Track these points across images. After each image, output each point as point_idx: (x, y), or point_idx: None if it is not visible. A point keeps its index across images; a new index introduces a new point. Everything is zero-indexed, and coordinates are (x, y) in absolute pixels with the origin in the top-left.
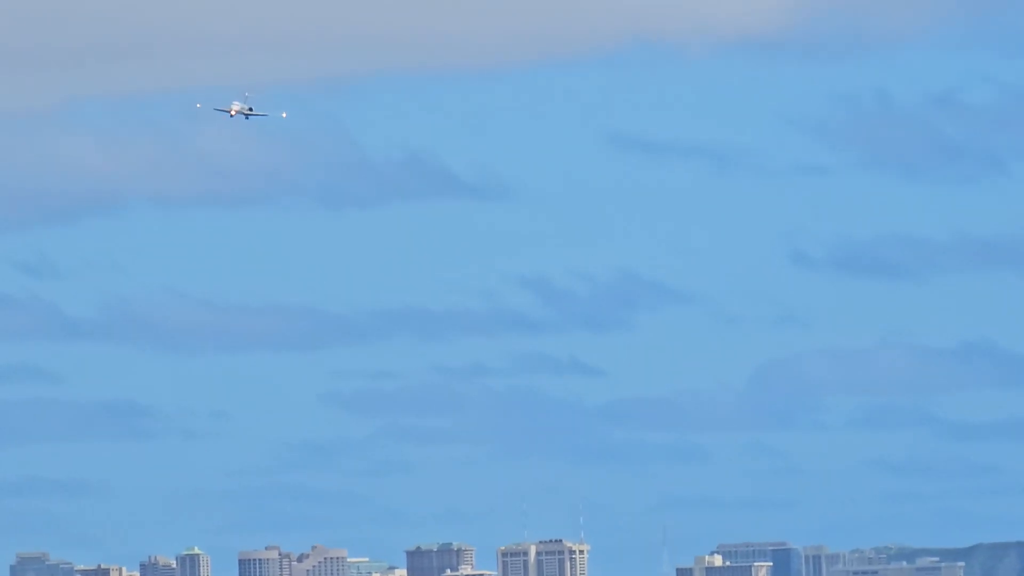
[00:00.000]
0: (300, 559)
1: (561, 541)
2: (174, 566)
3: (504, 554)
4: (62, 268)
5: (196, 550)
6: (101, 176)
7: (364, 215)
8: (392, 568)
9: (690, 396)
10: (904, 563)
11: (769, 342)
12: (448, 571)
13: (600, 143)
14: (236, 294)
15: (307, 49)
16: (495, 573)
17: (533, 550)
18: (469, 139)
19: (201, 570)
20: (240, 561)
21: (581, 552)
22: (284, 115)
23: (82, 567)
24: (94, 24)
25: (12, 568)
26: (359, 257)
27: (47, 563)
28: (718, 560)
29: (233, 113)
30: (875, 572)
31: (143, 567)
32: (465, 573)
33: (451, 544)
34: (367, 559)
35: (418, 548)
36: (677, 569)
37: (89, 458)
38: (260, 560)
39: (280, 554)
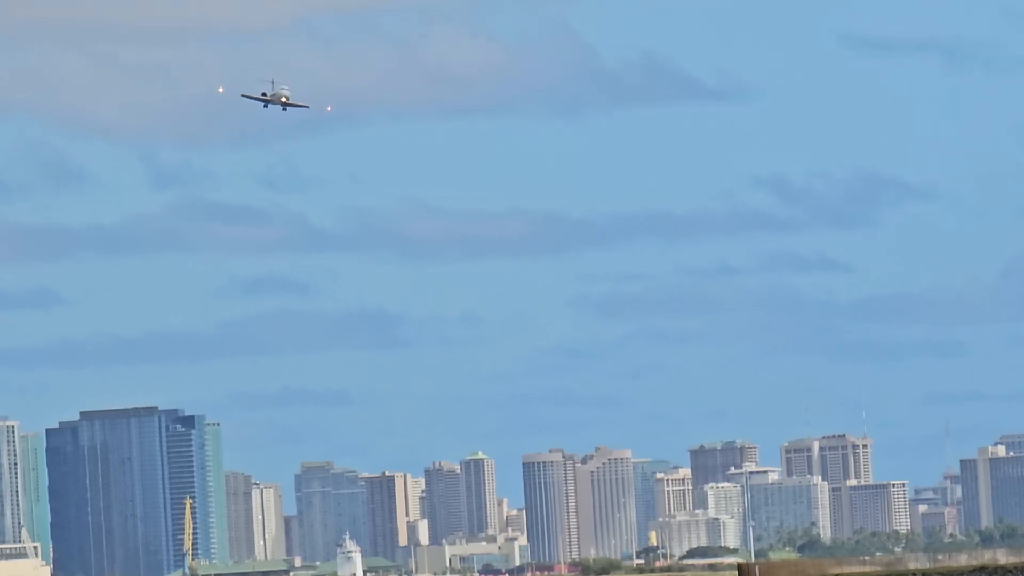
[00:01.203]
0: (584, 461)
1: (844, 436)
2: (458, 471)
3: (787, 450)
4: (305, 180)
5: (480, 455)
6: (338, 90)
7: (602, 120)
8: (676, 467)
9: (941, 291)
10: None
11: (1017, 234)
12: (732, 468)
13: (832, 42)
14: (477, 201)
15: None
16: (779, 469)
17: (816, 445)
18: (703, 42)
19: (486, 474)
20: (524, 464)
21: (864, 446)
22: (328, 108)
23: (366, 475)
24: None
25: (297, 477)
26: (599, 161)
27: (332, 472)
28: (1001, 451)
29: (266, 102)
30: None
31: (427, 473)
32: (749, 470)
33: (734, 442)
34: (650, 459)
35: (701, 447)
36: (961, 460)
37: (346, 367)
38: (544, 463)
39: (564, 456)
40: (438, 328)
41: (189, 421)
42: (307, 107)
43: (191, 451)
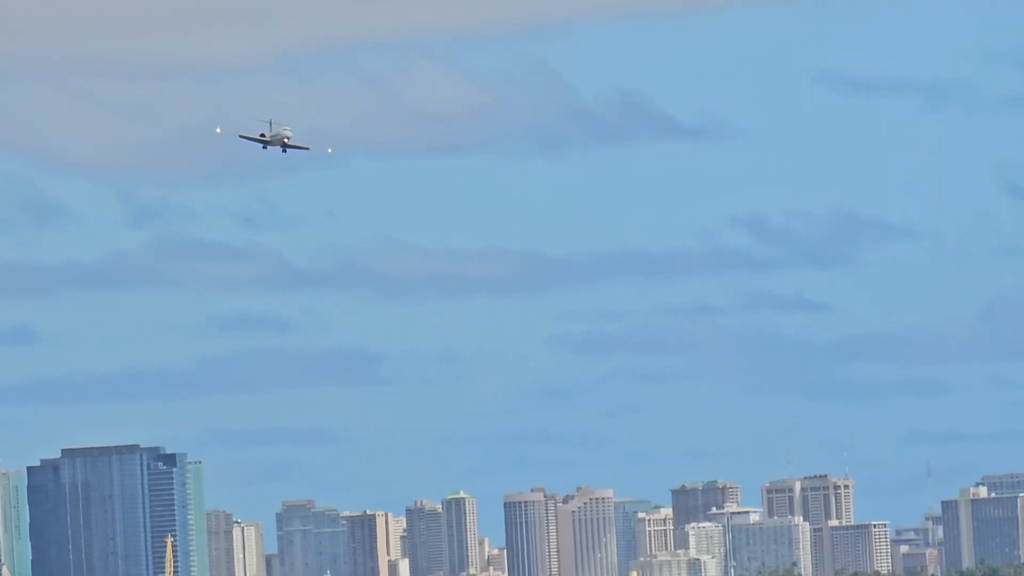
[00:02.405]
0: (565, 500)
1: (826, 476)
2: (440, 511)
3: (769, 490)
4: (284, 218)
5: (461, 494)
6: (316, 127)
7: (581, 158)
8: (657, 507)
9: (922, 331)
10: None
11: (996, 274)
12: (713, 508)
13: (810, 82)
14: (455, 239)
15: None
16: (760, 509)
17: (798, 486)
18: (681, 81)
19: (467, 513)
20: (505, 504)
21: (846, 487)
22: (329, 151)
23: (348, 513)
24: None
25: (278, 515)
26: (577, 200)
27: (313, 511)
28: (983, 491)
29: (265, 143)
30: None
31: (409, 512)
32: (731, 510)
33: (716, 482)
34: (632, 499)
35: (683, 487)
36: (942, 501)
37: (326, 405)
38: (525, 503)
39: (545, 496)
40: (417, 366)
41: (171, 459)
42: (307, 148)
43: (172, 489)
